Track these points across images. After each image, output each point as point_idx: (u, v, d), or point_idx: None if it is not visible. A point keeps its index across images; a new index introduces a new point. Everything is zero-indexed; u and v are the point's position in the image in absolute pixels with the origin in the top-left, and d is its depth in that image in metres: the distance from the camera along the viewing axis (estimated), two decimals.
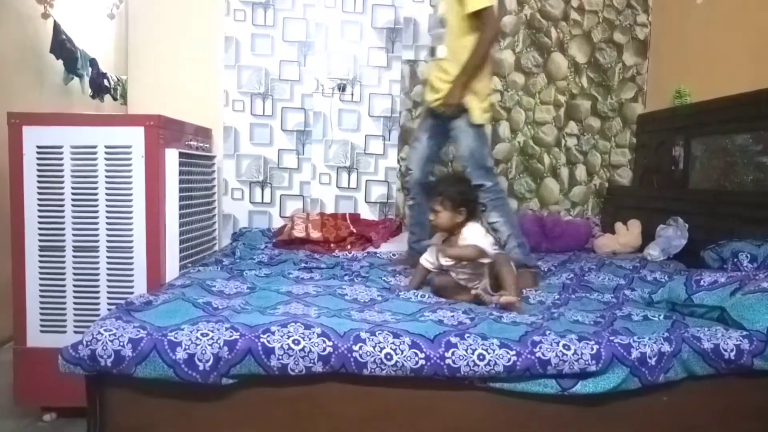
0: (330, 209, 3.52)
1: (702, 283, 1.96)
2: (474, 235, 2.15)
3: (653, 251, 2.92)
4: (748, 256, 2.24)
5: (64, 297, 2.39)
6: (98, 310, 2.36)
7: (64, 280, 2.38)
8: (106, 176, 2.37)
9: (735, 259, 2.27)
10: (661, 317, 1.91)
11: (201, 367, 1.50)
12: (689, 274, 2.08)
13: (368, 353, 1.54)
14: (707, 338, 1.67)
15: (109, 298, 2.38)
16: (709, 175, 2.96)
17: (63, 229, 2.37)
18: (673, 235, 2.88)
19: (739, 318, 1.75)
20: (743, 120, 2.69)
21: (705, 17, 3.18)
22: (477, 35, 2.38)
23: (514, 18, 3.62)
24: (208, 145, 3.15)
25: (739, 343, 1.67)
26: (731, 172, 2.79)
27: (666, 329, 1.74)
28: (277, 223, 3.47)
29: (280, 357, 1.52)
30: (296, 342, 1.53)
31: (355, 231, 3.21)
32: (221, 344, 1.52)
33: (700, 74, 3.18)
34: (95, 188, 2.37)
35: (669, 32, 3.55)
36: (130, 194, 2.38)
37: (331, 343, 1.54)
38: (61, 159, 2.36)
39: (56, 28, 3.87)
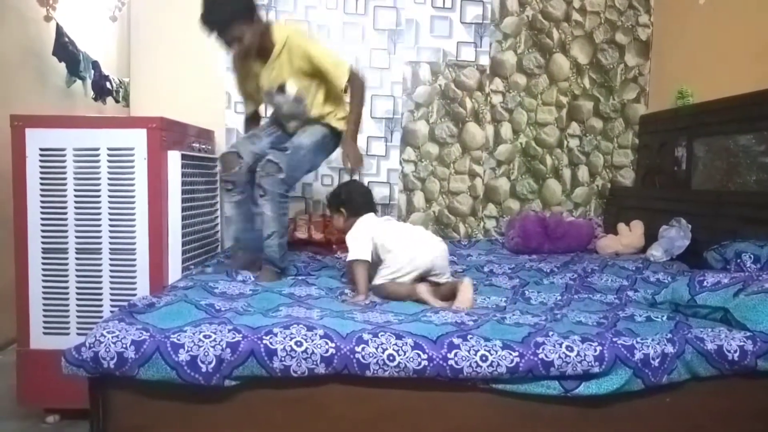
0: None
1: (705, 283, 1.96)
2: (349, 237, 2.30)
3: (656, 252, 2.91)
4: (752, 256, 2.24)
5: (67, 299, 2.39)
6: (101, 312, 2.37)
7: (67, 282, 2.39)
8: (109, 178, 2.38)
9: (738, 260, 2.26)
10: (664, 318, 1.90)
11: (204, 369, 1.50)
12: (692, 274, 2.08)
13: (371, 354, 1.54)
14: (710, 339, 1.67)
15: (111, 300, 2.39)
16: (712, 176, 2.95)
17: (66, 231, 2.38)
18: (676, 235, 2.87)
19: (742, 319, 1.75)
20: (746, 120, 2.69)
21: (707, 17, 3.17)
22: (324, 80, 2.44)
23: (516, 19, 3.62)
24: (210, 147, 3.16)
25: (742, 344, 1.66)
26: (734, 172, 2.78)
27: (669, 330, 1.73)
28: None
29: (283, 359, 1.52)
30: (299, 344, 1.53)
31: None
32: (224, 346, 1.52)
33: (702, 75, 3.18)
34: (98, 190, 2.38)
35: (671, 33, 3.55)
36: (133, 196, 2.38)
37: (333, 345, 1.54)
38: (63, 161, 2.37)
39: (59, 30, 3.88)
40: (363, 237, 2.25)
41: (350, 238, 2.28)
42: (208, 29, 2.23)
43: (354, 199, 2.39)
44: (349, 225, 2.36)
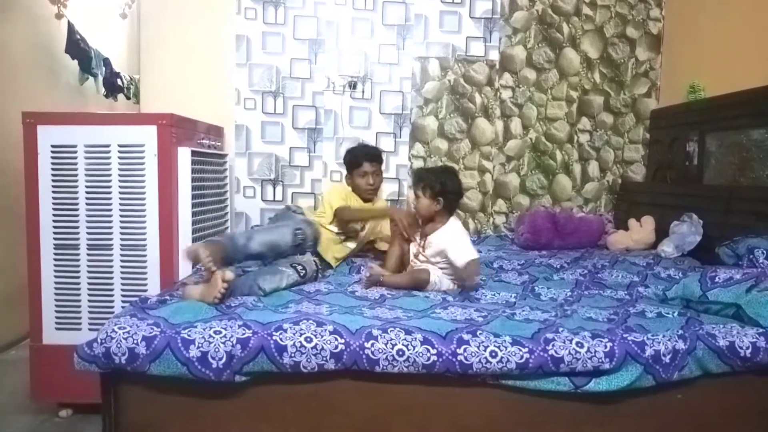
0: None
1: (717, 279, 1.94)
2: (448, 237, 2.23)
3: (667, 248, 2.89)
4: (764, 252, 2.21)
5: (79, 295, 2.41)
6: (112, 307, 2.39)
7: (78, 278, 2.41)
8: (120, 175, 2.40)
9: (750, 256, 2.24)
10: (676, 314, 1.89)
11: (214, 365, 1.51)
12: (704, 270, 2.06)
13: (380, 350, 1.54)
14: (722, 335, 1.66)
15: (123, 295, 2.41)
16: (724, 171, 2.93)
17: (77, 227, 2.40)
18: (687, 231, 2.85)
19: (755, 315, 1.74)
20: (759, 115, 2.66)
21: (719, 11, 3.14)
22: None
23: (526, 14, 3.59)
24: (220, 144, 3.17)
25: (755, 340, 1.65)
26: (746, 167, 2.75)
27: (680, 326, 1.72)
28: None
29: (293, 354, 1.53)
30: (308, 339, 1.54)
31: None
32: (234, 342, 1.52)
33: (714, 68, 3.15)
34: (109, 187, 2.40)
35: (682, 26, 3.52)
36: (143, 193, 2.40)
37: (343, 341, 1.55)
38: (75, 158, 2.39)
39: (70, 28, 3.90)
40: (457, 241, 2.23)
41: (459, 239, 2.22)
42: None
43: (456, 197, 2.34)
44: (433, 214, 2.29)
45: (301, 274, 2.14)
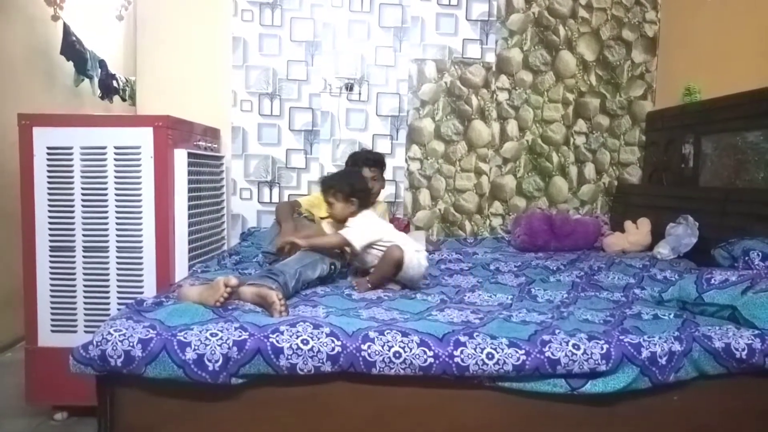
0: None
1: (713, 281, 1.94)
2: (357, 222, 2.34)
3: (663, 250, 2.90)
4: (760, 254, 2.22)
5: (75, 297, 2.41)
6: (108, 309, 2.38)
7: (74, 280, 2.40)
8: (116, 177, 2.39)
9: (746, 258, 2.24)
10: (672, 316, 1.89)
11: (210, 368, 1.50)
12: (700, 272, 2.06)
13: (377, 352, 1.54)
14: (718, 337, 1.66)
15: (119, 297, 2.40)
16: (720, 173, 2.93)
17: (73, 229, 2.39)
18: (684, 233, 2.86)
19: (750, 317, 1.74)
20: (754, 117, 2.67)
21: (715, 13, 3.15)
22: None
23: (522, 16, 3.60)
24: (216, 146, 3.17)
25: (750, 342, 1.65)
26: (742, 169, 2.76)
27: (676, 328, 1.72)
28: None
29: (289, 357, 1.52)
30: (305, 342, 1.53)
31: None
32: (230, 344, 1.52)
33: (710, 71, 3.16)
34: (105, 189, 2.39)
35: (678, 29, 3.53)
36: (140, 194, 2.39)
37: (339, 343, 1.55)
38: (71, 160, 2.38)
39: (66, 29, 3.89)
40: (372, 231, 2.31)
41: (359, 221, 2.34)
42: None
43: (366, 193, 2.48)
44: (349, 215, 2.40)
45: (331, 270, 2.30)
